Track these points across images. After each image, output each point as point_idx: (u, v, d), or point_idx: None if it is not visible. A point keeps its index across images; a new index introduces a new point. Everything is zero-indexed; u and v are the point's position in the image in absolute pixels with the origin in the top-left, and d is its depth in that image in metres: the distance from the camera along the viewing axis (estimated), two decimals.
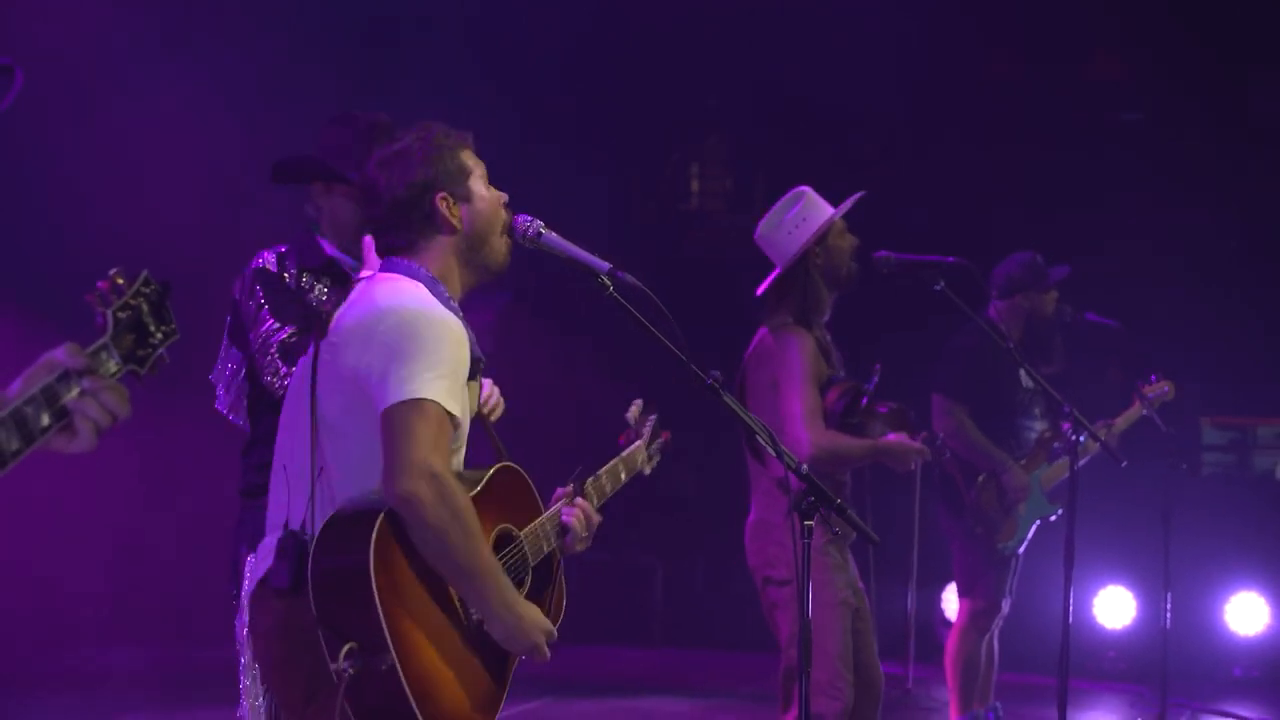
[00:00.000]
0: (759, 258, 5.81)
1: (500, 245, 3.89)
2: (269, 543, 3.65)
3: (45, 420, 2.45)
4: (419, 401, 3.48)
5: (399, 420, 3.48)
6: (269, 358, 4.36)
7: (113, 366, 2.68)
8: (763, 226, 5.64)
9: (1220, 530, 9.83)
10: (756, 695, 9.25)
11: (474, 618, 3.65)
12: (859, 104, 11.38)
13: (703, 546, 11.38)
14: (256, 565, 3.69)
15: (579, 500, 4.03)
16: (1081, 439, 6.40)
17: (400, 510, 3.46)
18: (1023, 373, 7.38)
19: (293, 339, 4.35)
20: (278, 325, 4.38)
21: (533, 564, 3.84)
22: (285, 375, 4.28)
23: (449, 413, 3.53)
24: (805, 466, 3.98)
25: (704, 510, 11.16)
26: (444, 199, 3.76)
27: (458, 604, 3.63)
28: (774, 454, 3.94)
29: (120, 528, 9.90)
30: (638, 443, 4.46)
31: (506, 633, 3.64)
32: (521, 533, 3.82)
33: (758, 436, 3.99)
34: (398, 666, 3.40)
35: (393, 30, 10.48)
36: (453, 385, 3.55)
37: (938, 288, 6.11)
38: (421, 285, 3.72)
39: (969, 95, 11.61)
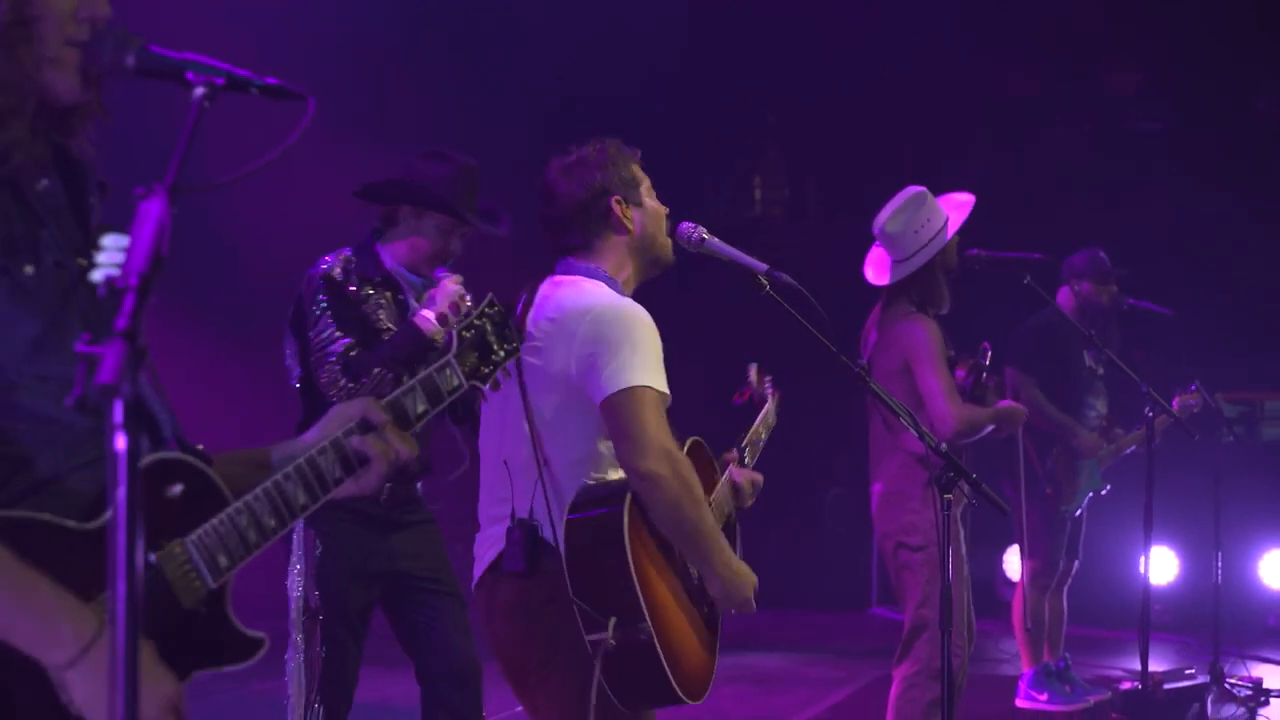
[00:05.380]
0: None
1: (667, 244, 3.85)
2: (496, 531, 3.61)
3: (337, 472, 2.41)
4: (642, 389, 3.44)
5: (626, 407, 3.43)
6: (327, 365, 4.43)
7: (455, 382, 2.63)
8: (887, 224, 5.48)
9: (1243, 494, 9.72)
10: (841, 650, 9.23)
11: (695, 577, 3.65)
12: (900, 117, 11.34)
13: (771, 519, 11.34)
14: (483, 551, 3.65)
15: (745, 470, 4.02)
16: (1154, 414, 6.34)
17: (641, 488, 3.43)
18: (1085, 353, 7.37)
19: (352, 352, 4.42)
20: (339, 334, 4.45)
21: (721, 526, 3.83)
22: (345, 387, 4.38)
23: (663, 393, 3.50)
24: (945, 445, 3.93)
25: (770, 486, 11.11)
26: (618, 201, 3.71)
27: (685, 567, 3.62)
28: (916, 434, 3.86)
29: None
30: (769, 405, 4.42)
31: (724, 589, 3.60)
32: (710, 499, 3.78)
33: (900, 418, 3.93)
34: (654, 634, 3.38)
35: (477, 44, 10.41)
36: (660, 369, 3.52)
37: (1025, 281, 6.05)
38: (602, 283, 3.67)
39: (1001, 106, 11.55)
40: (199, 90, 2.09)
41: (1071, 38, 11.26)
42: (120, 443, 1.79)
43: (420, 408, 2.56)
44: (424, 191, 4.63)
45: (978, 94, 11.54)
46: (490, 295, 2.78)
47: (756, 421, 4.35)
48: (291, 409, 4.70)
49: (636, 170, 3.80)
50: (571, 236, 3.74)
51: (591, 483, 3.53)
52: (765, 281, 3.85)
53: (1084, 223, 10.10)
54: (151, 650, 2.17)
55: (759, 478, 4.05)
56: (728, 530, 3.88)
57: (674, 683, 3.42)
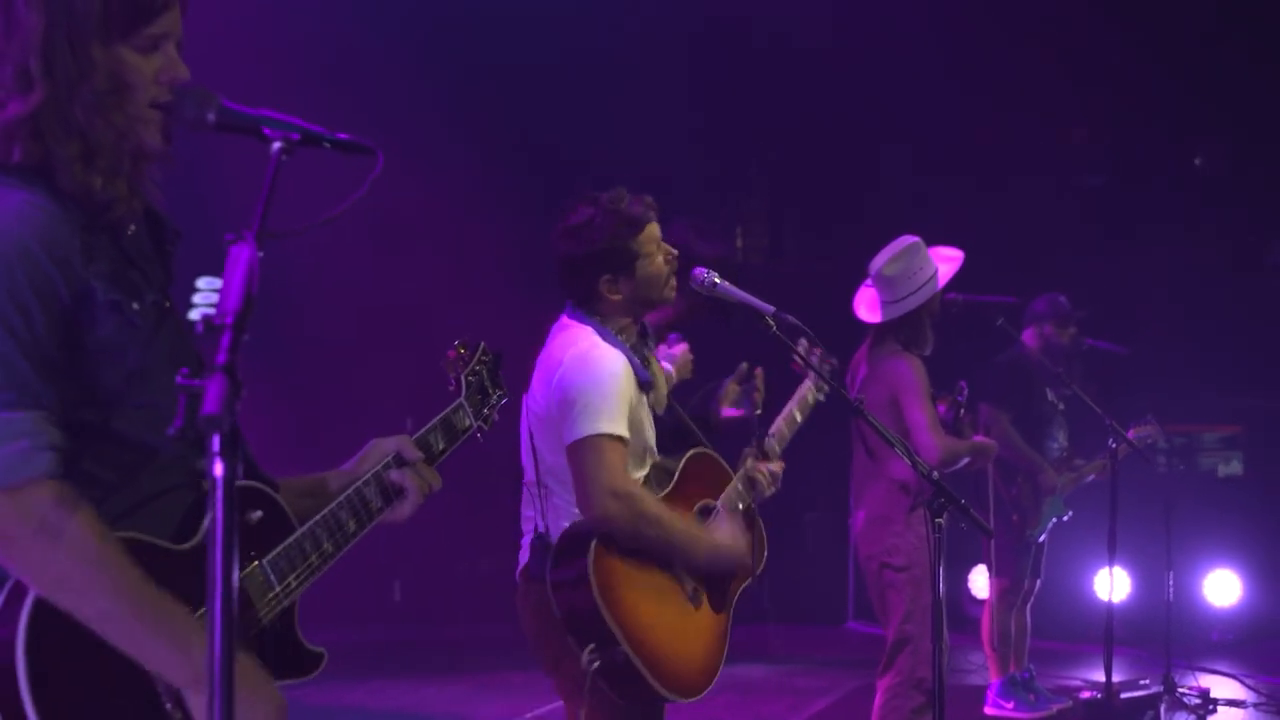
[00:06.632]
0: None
1: (664, 295, 3.88)
2: (525, 541, 3.74)
3: (379, 502, 2.46)
4: (592, 438, 3.54)
5: (580, 456, 3.55)
6: None
7: (466, 422, 2.67)
8: (885, 267, 5.48)
9: (1187, 519, 9.75)
10: (821, 662, 9.20)
11: (690, 587, 3.73)
12: (865, 172, 11.42)
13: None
14: (519, 557, 3.77)
15: (760, 464, 4.05)
16: (1116, 445, 6.39)
17: (601, 527, 3.54)
18: (1047, 390, 7.44)
19: None
20: None
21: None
22: None
23: (621, 438, 3.58)
24: (936, 473, 3.93)
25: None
26: (607, 281, 3.75)
27: (676, 581, 3.71)
28: (910, 463, 3.87)
29: None
30: (806, 383, 4.40)
31: (713, 563, 3.74)
32: (718, 501, 3.90)
33: (895, 447, 3.93)
34: (630, 654, 3.49)
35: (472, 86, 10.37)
36: (613, 410, 3.58)
37: (999, 323, 6.11)
38: (589, 328, 3.75)
39: (961, 159, 11.62)
40: (276, 145, 2.11)
41: (1032, 96, 11.33)
42: (219, 469, 1.80)
43: (441, 445, 2.61)
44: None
45: (945, 149, 11.60)
46: (482, 344, 2.80)
47: (782, 414, 4.34)
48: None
49: (636, 241, 3.76)
50: (569, 292, 3.83)
51: (571, 524, 3.64)
52: (773, 323, 3.87)
53: (1039, 268, 10.16)
54: (258, 664, 2.20)
55: (776, 468, 4.08)
56: (747, 518, 3.98)
57: (659, 688, 3.55)
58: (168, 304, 2.27)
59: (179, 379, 1.81)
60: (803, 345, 4.46)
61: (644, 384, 3.76)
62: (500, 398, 2.78)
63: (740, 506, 3.96)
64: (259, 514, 2.28)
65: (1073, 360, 7.50)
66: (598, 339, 3.71)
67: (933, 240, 5.63)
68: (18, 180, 2.12)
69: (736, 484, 3.98)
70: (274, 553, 2.27)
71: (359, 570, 10.04)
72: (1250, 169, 11.14)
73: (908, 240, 5.53)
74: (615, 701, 3.60)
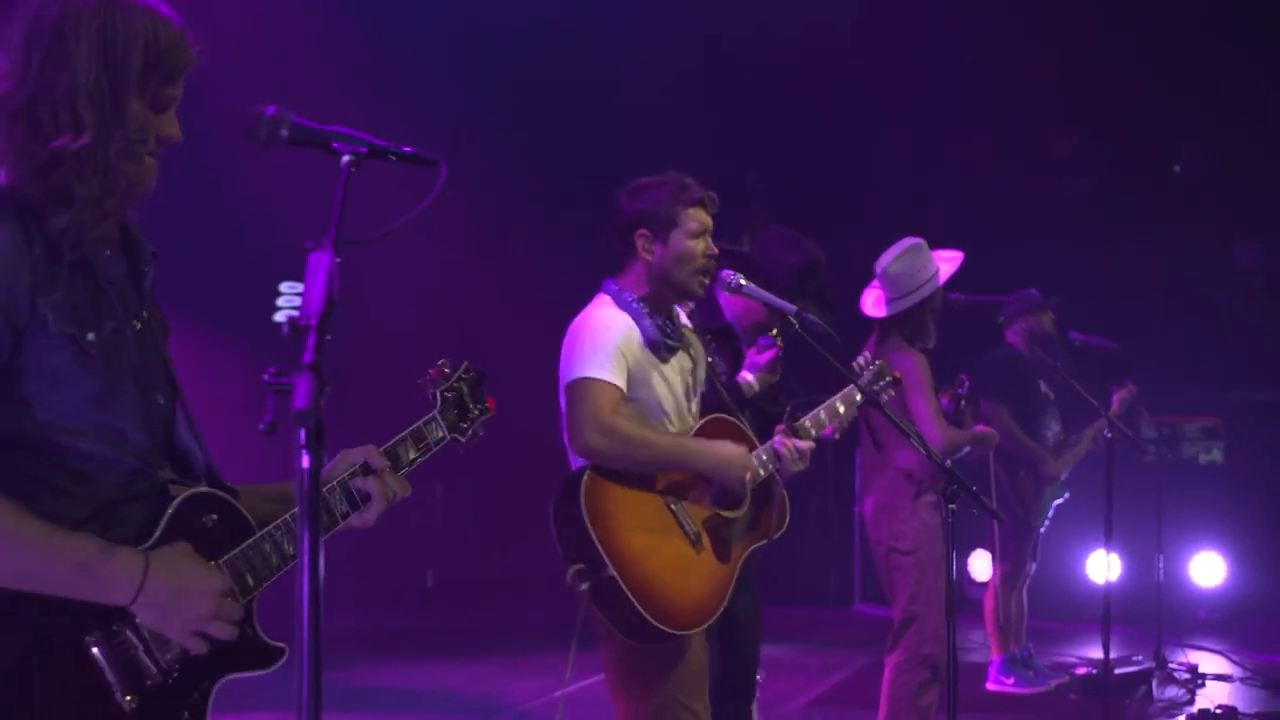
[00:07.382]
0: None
1: (690, 282, 3.91)
2: None
3: (344, 508, 2.49)
4: (577, 380, 3.72)
5: (570, 396, 3.73)
6: None
7: (439, 434, 2.70)
8: (889, 266, 5.48)
9: (1174, 504, 9.76)
10: (831, 642, 9.21)
11: (693, 530, 3.78)
12: (864, 185, 11.44)
13: None
14: None
15: (789, 440, 4.07)
16: (1110, 434, 6.40)
17: (590, 460, 3.68)
18: (1040, 381, 7.43)
19: None
20: None
21: (750, 486, 3.94)
22: None
23: (608, 381, 3.70)
24: (949, 461, 3.96)
25: None
26: (643, 235, 3.86)
27: (676, 521, 3.76)
28: (924, 453, 3.89)
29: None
30: (850, 387, 4.40)
31: (719, 470, 3.81)
32: None
33: (910, 438, 3.95)
34: (617, 577, 3.56)
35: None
36: (601, 358, 3.72)
37: (1000, 321, 6.09)
38: (607, 297, 3.88)
39: (954, 162, 11.64)
40: (346, 158, 2.14)
41: (1021, 104, 11.34)
42: (305, 461, 1.83)
43: (411, 455, 2.63)
44: (771, 278, 4.52)
45: (936, 154, 11.61)
46: (465, 363, 2.83)
47: (825, 403, 4.36)
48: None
49: (683, 212, 3.88)
50: (614, 246, 3.95)
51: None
52: (795, 321, 3.89)
53: (1030, 267, 10.17)
54: (196, 553, 2.26)
55: (804, 446, 4.09)
56: (767, 489, 4.01)
57: (646, 614, 3.59)
58: (138, 325, 2.31)
59: (265, 377, 1.85)
60: (863, 358, 4.51)
61: (653, 345, 3.81)
62: (483, 412, 2.80)
63: (761, 474, 3.97)
64: (215, 518, 2.32)
65: (1061, 350, 7.50)
66: (606, 301, 3.86)
67: (926, 241, 5.61)
68: None
69: (760, 453, 4.00)
70: (230, 554, 2.31)
71: (394, 559, 10.16)
72: (1232, 172, 11.14)
73: (911, 241, 5.55)
74: (624, 641, 3.65)
